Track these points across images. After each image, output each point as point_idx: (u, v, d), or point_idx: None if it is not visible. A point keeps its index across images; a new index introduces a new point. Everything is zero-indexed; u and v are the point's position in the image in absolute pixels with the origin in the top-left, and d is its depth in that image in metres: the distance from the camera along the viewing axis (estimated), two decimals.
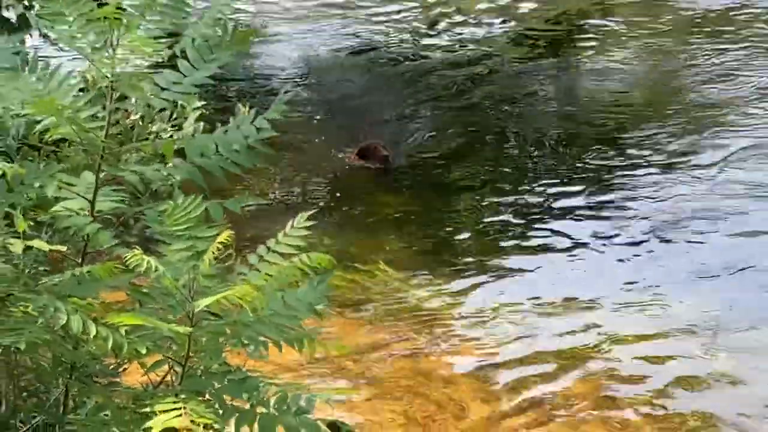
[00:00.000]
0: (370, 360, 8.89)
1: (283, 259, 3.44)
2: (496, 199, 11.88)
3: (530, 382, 8.54)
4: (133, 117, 4.11)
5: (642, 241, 10.83)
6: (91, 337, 3.09)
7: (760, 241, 10.17)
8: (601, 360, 8.83)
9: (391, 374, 8.70)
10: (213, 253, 3.18)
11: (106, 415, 3.42)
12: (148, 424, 2.96)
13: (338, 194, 12.04)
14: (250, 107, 3.84)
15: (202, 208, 3.48)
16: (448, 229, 11.50)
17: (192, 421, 2.98)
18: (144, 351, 3.25)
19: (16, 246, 3.10)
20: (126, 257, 3.13)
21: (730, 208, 10.67)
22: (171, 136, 3.84)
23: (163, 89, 3.73)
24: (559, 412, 8.09)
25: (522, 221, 11.52)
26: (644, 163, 11.75)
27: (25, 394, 4.29)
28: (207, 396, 3.28)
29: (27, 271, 3.52)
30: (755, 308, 9.18)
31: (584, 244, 10.95)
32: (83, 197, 3.65)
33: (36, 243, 3.22)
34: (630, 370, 8.59)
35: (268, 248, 3.51)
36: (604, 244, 11.04)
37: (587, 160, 11.97)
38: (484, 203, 11.87)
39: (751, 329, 8.88)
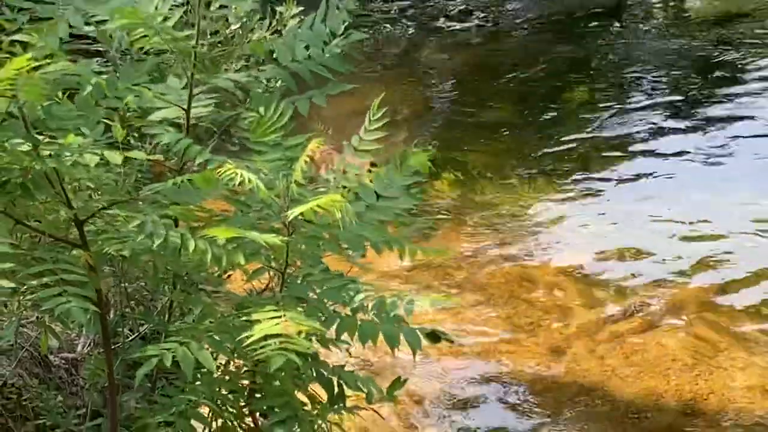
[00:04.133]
0: (473, 266, 8.89)
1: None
2: (596, 115, 11.86)
3: (636, 288, 8.48)
4: (233, 27, 4.07)
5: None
6: (190, 251, 3.10)
7: None
8: (709, 268, 8.73)
9: (495, 280, 8.69)
10: (305, 161, 3.17)
11: (211, 323, 3.45)
12: (249, 332, 2.98)
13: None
14: None
15: (291, 109, 3.46)
16: (549, 141, 11.43)
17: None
18: (242, 262, 3.25)
19: (115, 156, 3.11)
20: (221, 170, 3.13)
21: None
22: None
23: None
24: (664, 318, 8.02)
25: (624, 138, 11.47)
26: None
27: (132, 302, 4.37)
28: (308, 303, 3.29)
29: (130, 180, 3.53)
30: None
31: (682, 161, 10.88)
32: (177, 105, 3.66)
33: (133, 153, 3.22)
34: (739, 280, 8.49)
35: (354, 147, 3.49)
36: (694, 160, 10.95)
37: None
38: (584, 117, 11.84)
39: None
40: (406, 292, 3.30)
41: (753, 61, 12.72)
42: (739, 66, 12.72)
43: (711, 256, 8.92)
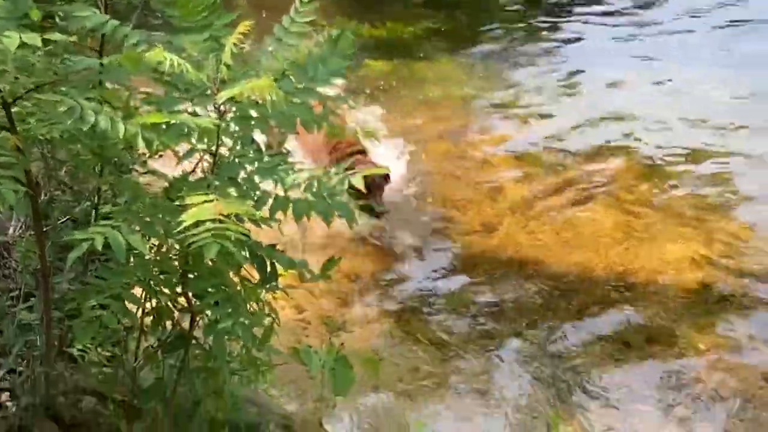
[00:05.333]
0: (408, 143, 8.93)
1: (300, 39, 3.35)
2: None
3: (567, 165, 8.57)
4: None
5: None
6: (120, 135, 3.06)
7: None
8: (639, 145, 8.83)
9: (429, 156, 8.75)
10: (234, 43, 3.11)
11: (142, 205, 3.42)
12: (183, 216, 2.96)
13: None
14: None
15: None
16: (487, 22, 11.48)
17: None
18: (174, 144, 3.22)
19: (34, 38, 3.05)
20: (148, 53, 3.07)
21: None
22: None
23: None
24: (596, 193, 8.12)
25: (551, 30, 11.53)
26: None
27: (62, 185, 4.33)
28: (239, 184, 3.27)
29: (56, 62, 3.47)
30: None
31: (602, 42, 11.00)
32: None
33: (54, 36, 3.16)
34: (669, 156, 8.62)
35: (285, 29, 3.43)
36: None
37: None
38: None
39: None
40: (339, 168, 3.27)
41: None
42: None
43: (642, 133, 9.02)
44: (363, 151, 7.84)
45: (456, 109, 9.70)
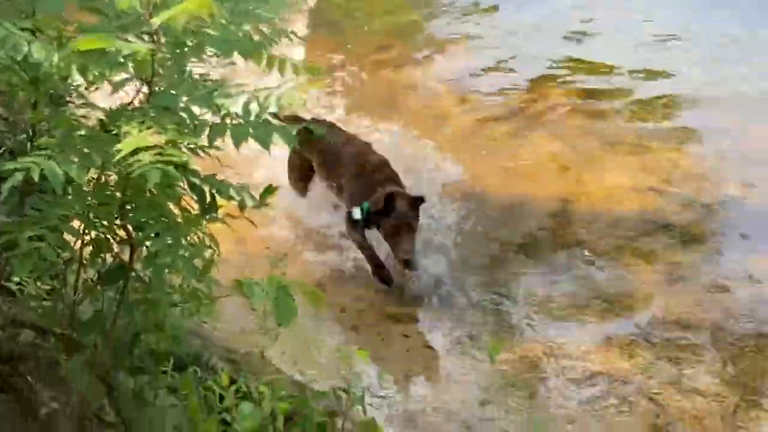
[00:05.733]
0: (348, 72, 8.90)
1: None
2: None
3: (511, 93, 8.60)
4: None
5: None
6: (53, 63, 3.01)
7: None
8: (585, 72, 8.87)
9: (376, 88, 8.73)
10: None
11: (80, 136, 3.38)
12: (119, 145, 2.92)
13: None
14: None
15: None
16: None
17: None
18: (109, 72, 3.17)
19: None
20: None
21: None
22: None
23: None
24: (539, 122, 8.16)
25: None
26: None
27: None
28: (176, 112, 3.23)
29: None
30: None
31: None
32: None
33: None
34: (613, 86, 8.67)
35: None
36: None
37: None
38: None
39: None
40: (275, 89, 3.23)
41: None
42: None
43: (588, 60, 9.04)
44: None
45: (399, 37, 9.66)
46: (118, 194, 3.42)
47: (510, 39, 9.51)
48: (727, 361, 5.68)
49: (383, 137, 7.61)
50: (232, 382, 4.06)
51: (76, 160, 3.19)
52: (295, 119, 6.58)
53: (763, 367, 5.66)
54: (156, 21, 3.05)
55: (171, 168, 2.92)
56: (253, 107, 3.18)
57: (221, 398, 3.91)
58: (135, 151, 2.96)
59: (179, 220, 3.40)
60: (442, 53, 9.38)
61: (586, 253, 6.61)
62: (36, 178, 3.05)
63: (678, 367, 5.66)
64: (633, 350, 5.78)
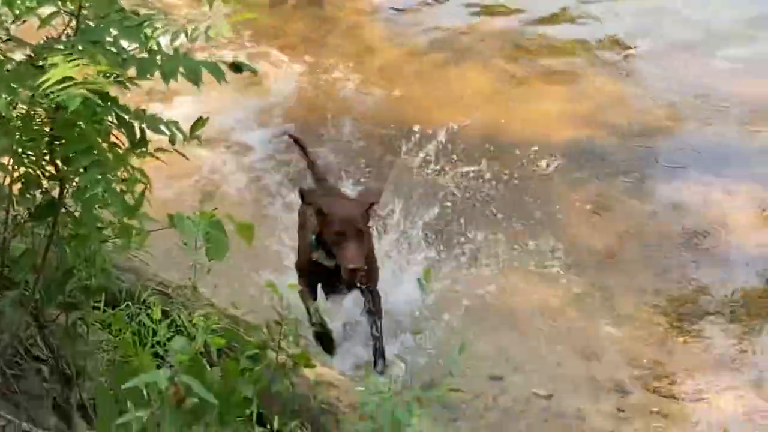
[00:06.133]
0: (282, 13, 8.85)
1: None
2: None
3: (442, 26, 8.58)
4: None
5: None
6: None
7: None
8: (512, 9, 8.87)
9: (295, 25, 8.68)
10: None
11: (7, 71, 3.34)
12: (46, 76, 2.89)
13: None
14: None
15: None
16: None
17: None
18: (36, 4, 3.12)
19: None
20: None
21: None
22: None
23: None
24: (468, 51, 8.18)
25: None
26: None
27: None
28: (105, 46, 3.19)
29: None
30: None
31: None
32: None
33: None
34: (543, 17, 8.69)
35: None
36: None
37: None
38: None
39: None
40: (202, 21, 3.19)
41: None
42: None
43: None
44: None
45: None
46: (46, 129, 3.39)
47: None
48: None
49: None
50: (166, 316, 4.06)
51: (3, 95, 3.15)
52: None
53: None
54: None
55: (93, 96, 2.89)
56: (182, 39, 3.15)
57: (154, 332, 3.91)
58: (62, 81, 2.93)
59: (109, 154, 3.37)
60: None
61: (514, 181, 6.67)
62: None
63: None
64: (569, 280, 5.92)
